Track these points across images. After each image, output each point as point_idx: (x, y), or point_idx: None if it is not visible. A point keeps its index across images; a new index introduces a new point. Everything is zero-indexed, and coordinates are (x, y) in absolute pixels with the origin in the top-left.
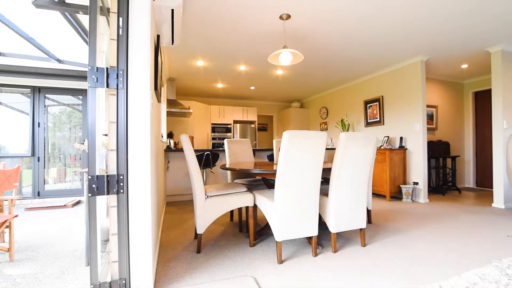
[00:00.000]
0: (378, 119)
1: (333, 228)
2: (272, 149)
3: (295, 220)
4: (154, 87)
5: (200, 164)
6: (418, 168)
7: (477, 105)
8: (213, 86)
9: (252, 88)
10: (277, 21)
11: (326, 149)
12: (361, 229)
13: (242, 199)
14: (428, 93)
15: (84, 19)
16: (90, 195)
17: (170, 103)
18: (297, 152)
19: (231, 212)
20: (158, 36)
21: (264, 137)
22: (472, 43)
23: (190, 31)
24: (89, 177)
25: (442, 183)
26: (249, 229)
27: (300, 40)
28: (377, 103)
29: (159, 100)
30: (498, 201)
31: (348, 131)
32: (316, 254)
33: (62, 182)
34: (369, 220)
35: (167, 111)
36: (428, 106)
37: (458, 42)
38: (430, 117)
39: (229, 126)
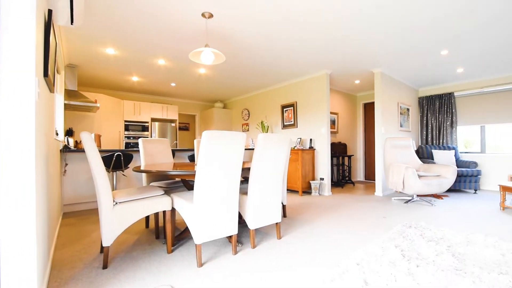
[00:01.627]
0: (292, 122)
1: (252, 225)
2: (193, 149)
3: (215, 220)
4: (44, 73)
5: (109, 166)
6: (323, 166)
7: (366, 114)
8: (126, 78)
9: (173, 84)
10: (199, 18)
11: (248, 149)
12: (277, 223)
13: (158, 203)
14: (332, 102)
15: None
16: None
17: (70, 94)
18: (217, 152)
19: (147, 218)
20: (50, 11)
21: (186, 137)
22: (361, 64)
23: (97, 13)
24: None
25: (341, 177)
26: (166, 235)
27: (222, 40)
28: (292, 108)
29: (52, 90)
30: (379, 190)
31: (267, 132)
32: (236, 252)
33: None
34: (284, 214)
35: (65, 104)
36: (331, 113)
37: (351, 61)
38: (333, 122)
39: (146, 124)
